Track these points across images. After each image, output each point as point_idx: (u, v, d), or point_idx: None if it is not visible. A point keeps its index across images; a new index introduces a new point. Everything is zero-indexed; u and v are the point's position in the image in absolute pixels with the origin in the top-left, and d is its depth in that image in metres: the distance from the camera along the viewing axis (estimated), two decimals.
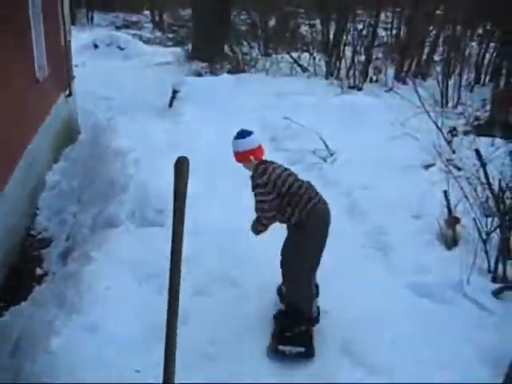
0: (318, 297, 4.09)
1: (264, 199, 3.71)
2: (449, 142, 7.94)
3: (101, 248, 4.94)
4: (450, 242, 5.33)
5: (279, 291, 4.25)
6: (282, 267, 3.94)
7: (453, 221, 5.37)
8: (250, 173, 3.86)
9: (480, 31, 14.89)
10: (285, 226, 3.96)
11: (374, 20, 14.55)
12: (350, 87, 12.88)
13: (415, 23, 13.75)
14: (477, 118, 10.06)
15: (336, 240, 5.42)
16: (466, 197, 5.31)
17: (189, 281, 3.71)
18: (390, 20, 16.08)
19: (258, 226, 3.92)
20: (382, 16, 15.80)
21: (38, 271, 5.80)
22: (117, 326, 3.86)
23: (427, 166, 7.23)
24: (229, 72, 13.86)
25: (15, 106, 6.40)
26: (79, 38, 19.61)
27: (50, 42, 8.75)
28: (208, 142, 8.43)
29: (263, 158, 3.92)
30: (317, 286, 4.08)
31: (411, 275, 4.88)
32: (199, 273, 4.56)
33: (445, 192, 5.41)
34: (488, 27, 14.53)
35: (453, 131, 8.47)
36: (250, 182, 3.81)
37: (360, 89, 12.96)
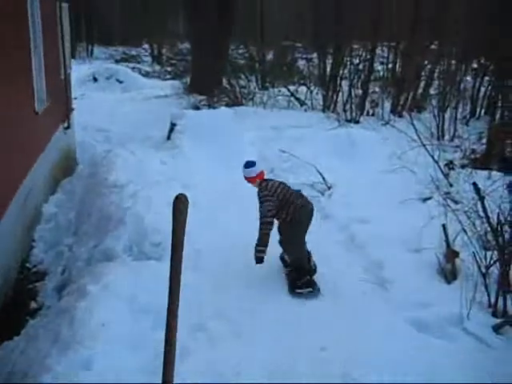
0: (311, 256, 5.50)
1: (269, 203, 5.05)
2: (446, 175, 7.96)
3: (97, 281, 4.87)
4: (450, 276, 5.29)
5: (282, 260, 5.62)
6: (283, 245, 5.45)
7: (452, 255, 5.34)
8: (256, 189, 5.25)
9: (475, 65, 15.09)
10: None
11: (370, 54, 14.75)
12: (347, 120, 12.99)
13: (411, 57, 13.94)
14: (473, 151, 10.11)
15: (334, 275, 5.43)
16: (464, 230, 5.29)
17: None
18: (385, 54, 16.32)
19: (260, 245, 5.05)
20: (378, 50, 16.04)
21: (33, 305, 5.72)
22: (111, 363, 3.79)
23: (425, 199, 7.23)
24: (227, 105, 13.96)
25: (14, 137, 6.41)
26: (79, 70, 19.83)
27: (50, 74, 8.83)
28: (206, 175, 8.45)
29: (264, 177, 5.39)
30: (308, 252, 5.49)
31: (411, 310, 4.82)
32: None
33: (443, 225, 5.40)
34: (482, 61, 14.74)
35: (450, 164, 8.51)
36: (258, 194, 5.17)
37: (357, 122, 13.07)
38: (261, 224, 5.02)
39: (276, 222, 5.25)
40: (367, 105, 14.17)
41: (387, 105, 14.04)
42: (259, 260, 5.05)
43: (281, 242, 5.43)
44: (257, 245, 5.03)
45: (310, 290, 5.16)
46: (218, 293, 4.87)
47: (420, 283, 5.26)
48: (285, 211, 5.17)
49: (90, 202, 7.49)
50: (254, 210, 5.15)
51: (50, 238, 7.20)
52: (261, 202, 5.08)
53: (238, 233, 5.93)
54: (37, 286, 6.11)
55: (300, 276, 5.23)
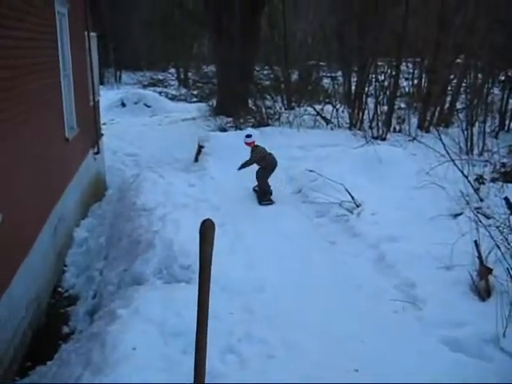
0: (270, 187, 8.97)
1: (255, 155, 8.83)
2: (476, 190, 7.82)
3: (127, 305, 4.91)
4: (484, 293, 5.17)
5: (254, 190, 9.08)
6: (258, 181, 8.94)
7: (485, 271, 5.22)
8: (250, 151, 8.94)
9: (502, 77, 14.90)
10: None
11: (395, 71, 14.70)
12: (374, 137, 12.90)
13: (436, 72, 13.85)
14: (503, 165, 9.92)
15: (365, 294, 5.37)
16: (497, 246, 5.18)
17: None
18: (411, 70, 16.24)
19: (243, 165, 8.88)
20: (403, 66, 15.98)
21: (65, 329, 5.79)
22: None
23: (455, 215, 7.10)
24: (253, 126, 14.04)
25: (45, 164, 6.56)
26: (107, 96, 20.24)
27: (80, 102, 9.03)
28: (234, 196, 8.51)
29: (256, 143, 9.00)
30: (269, 186, 8.96)
31: (444, 328, 4.72)
32: None
33: (475, 242, 5.29)
34: (510, 73, 14.54)
35: (480, 179, 8.35)
36: (250, 153, 8.89)
37: (384, 139, 12.97)
38: (248, 161, 8.82)
39: (256, 167, 8.93)
40: (393, 121, 14.07)
41: (414, 121, 13.91)
42: (240, 168, 8.84)
43: (257, 177, 8.91)
44: (242, 165, 8.80)
45: (270, 202, 8.74)
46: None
47: (453, 301, 5.14)
48: (263, 162, 8.89)
49: (119, 225, 7.58)
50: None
51: (81, 263, 7.31)
52: (252, 156, 8.85)
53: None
54: (69, 311, 6.19)
55: (265, 196, 8.82)
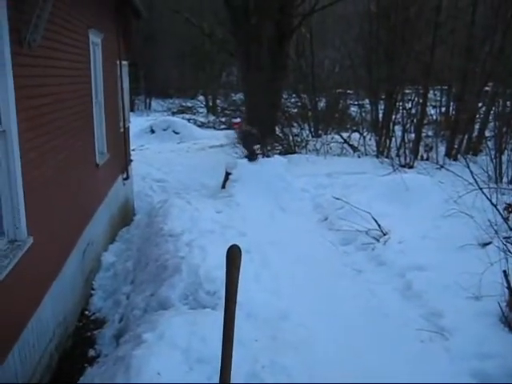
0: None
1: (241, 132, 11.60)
2: (505, 219, 7.69)
3: (153, 330, 4.94)
4: None
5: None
6: (247, 147, 11.84)
7: None
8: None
9: None
10: None
11: (423, 98, 14.68)
12: (401, 165, 12.85)
13: (464, 100, 13.79)
14: None
15: (391, 323, 5.31)
16: None
17: None
18: (438, 98, 16.20)
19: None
20: (431, 94, 15.96)
21: (91, 353, 5.84)
22: None
23: (484, 245, 7.00)
24: (280, 153, 14.13)
25: (76, 189, 6.71)
26: (137, 123, 20.61)
27: (110, 128, 9.25)
28: (261, 223, 8.54)
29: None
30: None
31: (473, 361, 4.62)
32: None
33: (504, 272, 5.21)
34: None
35: (509, 208, 8.22)
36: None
37: (411, 167, 12.92)
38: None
39: None
40: (421, 149, 14.01)
41: (441, 149, 13.83)
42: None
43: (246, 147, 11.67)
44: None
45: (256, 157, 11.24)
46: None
47: (482, 332, 5.04)
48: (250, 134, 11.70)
49: (146, 250, 7.66)
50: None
51: (108, 287, 7.39)
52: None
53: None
54: (95, 334, 6.24)
55: (252, 155, 11.28)
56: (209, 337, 4.34)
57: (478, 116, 14.64)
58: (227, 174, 11.24)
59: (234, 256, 2.36)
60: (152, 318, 5.29)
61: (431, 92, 16.00)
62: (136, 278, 7.09)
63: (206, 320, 5.00)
